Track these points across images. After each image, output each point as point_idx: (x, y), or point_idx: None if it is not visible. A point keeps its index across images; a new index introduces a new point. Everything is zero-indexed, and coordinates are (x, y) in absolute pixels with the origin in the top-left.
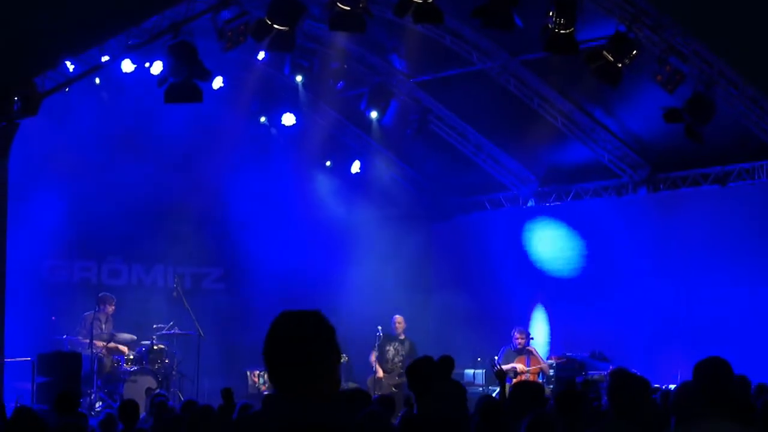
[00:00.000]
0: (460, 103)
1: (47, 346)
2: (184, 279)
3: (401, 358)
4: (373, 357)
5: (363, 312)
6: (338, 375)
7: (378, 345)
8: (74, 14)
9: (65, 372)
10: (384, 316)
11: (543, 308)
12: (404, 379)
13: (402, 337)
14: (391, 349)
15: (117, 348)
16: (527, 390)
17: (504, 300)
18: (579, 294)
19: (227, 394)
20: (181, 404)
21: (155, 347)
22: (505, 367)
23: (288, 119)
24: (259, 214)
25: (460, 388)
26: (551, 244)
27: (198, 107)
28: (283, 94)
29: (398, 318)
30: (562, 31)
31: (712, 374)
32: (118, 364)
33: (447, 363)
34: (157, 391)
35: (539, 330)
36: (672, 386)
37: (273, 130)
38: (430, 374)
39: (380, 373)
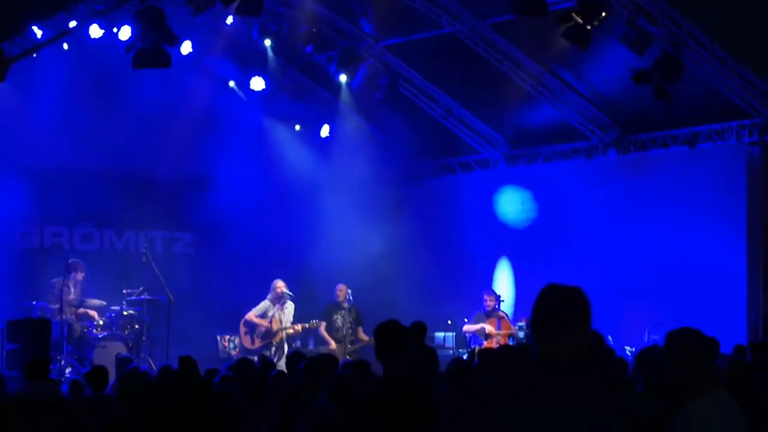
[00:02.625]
0: (429, 66)
1: (17, 313)
2: (156, 244)
3: (349, 325)
4: (322, 327)
5: (333, 277)
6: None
7: (324, 315)
8: None
9: (35, 339)
10: (354, 281)
11: (512, 270)
12: (357, 346)
13: (345, 305)
14: (338, 318)
15: (87, 314)
16: (494, 353)
17: (474, 263)
18: (549, 256)
19: (185, 361)
20: (155, 371)
21: (125, 313)
22: (473, 327)
23: (257, 83)
24: (229, 179)
25: (432, 354)
26: (521, 207)
27: (167, 72)
28: (252, 58)
29: (340, 286)
30: None
31: (703, 347)
32: (87, 330)
33: (419, 329)
34: (124, 354)
35: (508, 292)
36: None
37: (242, 95)
38: (399, 339)
39: (333, 344)
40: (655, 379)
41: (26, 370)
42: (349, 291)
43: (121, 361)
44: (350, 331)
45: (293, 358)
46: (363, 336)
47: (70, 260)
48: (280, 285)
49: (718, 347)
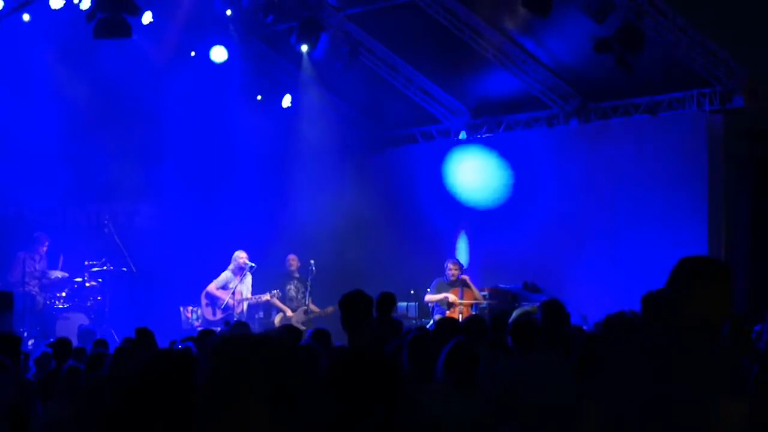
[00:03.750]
0: (390, 35)
1: None
2: (118, 216)
3: (302, 294)
4: (275, 298)
5: (295, 247)
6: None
7: (278, 285)
8: None
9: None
10: (316, 251)
11: (472, 238)
12: (311, 315)
13: (297, 275)
14: (291, 288)
15: (50, 286)
16: (449, 323)
17: (437, 232)
18: (509, 225)
19: (141, 332)
20: (118, 342)
21: (88, 284)
22: (436, 297)
23: (218, 54)
24: (191, 149)
25: (398, 325)
26: (483, 176)
27: (128, 43)
28: (213, 28)
29: (292, 256)
30: None
31: None
32: (50, 302)
33: (387, 300)
34: (86, 326)
35: (468, 260)
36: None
37: (203, 65)
38: (365, 309)
39: (289, 312)
40: None
41: None
42: (312, 261)
43: (83, 332)
44: (303, 299)
45: (236, 328)
46: (313, 307)
47: (35, 233)
48: (242, 256)
49: None
